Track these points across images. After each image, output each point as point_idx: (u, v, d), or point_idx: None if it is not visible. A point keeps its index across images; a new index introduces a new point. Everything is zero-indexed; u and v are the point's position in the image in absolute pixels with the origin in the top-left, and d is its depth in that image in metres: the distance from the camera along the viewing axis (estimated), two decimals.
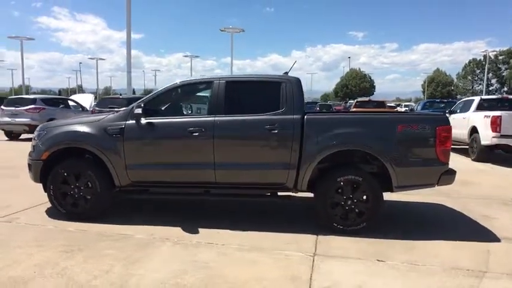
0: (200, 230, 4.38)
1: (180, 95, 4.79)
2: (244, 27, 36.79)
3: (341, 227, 4.31)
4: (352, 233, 4.28)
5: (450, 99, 29.24)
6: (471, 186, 6.98)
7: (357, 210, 4.31)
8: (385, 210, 4.74)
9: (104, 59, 60.22)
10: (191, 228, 4.40)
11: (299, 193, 4.62)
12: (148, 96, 4.74)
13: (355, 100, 21.72)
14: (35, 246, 3.81)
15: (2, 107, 14.48)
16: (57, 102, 15.98)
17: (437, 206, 5.72)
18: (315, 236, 4.25)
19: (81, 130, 4.61)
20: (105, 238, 4.09)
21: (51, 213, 4.81)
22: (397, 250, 3.90)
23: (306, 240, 4.12)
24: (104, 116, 4.71)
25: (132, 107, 4.55)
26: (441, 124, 4.29)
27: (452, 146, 4.91)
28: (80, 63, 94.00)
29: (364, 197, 4.30)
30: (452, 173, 4.42)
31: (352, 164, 4.49)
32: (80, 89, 73.55)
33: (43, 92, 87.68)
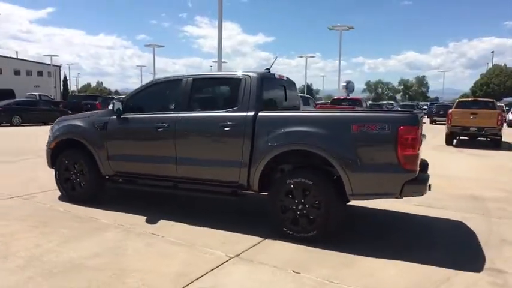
0: (161, 221, 4.59)
1: (155, 93, 5.05)
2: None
3: (290, 233, 4.02)
4: (300, 240, 3.96)
5: None
6: None
7: (309, 217, 3.96)
8: (382, 220, 4.26)
9: (225, 62, 64.60)
10: (154, 219, 4.63)
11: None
12: (129, 93, 5.14)
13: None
14: (18, 220, 4.52)
15: None
16: None
17: (452, 223, 4.83)
18: (261, 239, 4.06)
19: (77, 124, 5.26)
20: (75, 219, 4.61)
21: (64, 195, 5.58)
22: (329, 264, 3.50)
23: (246, 242, 3.97)
24: (97, 112, 5.28)
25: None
26: (404, 124, 3.64)
27: None
28: (211, 66, 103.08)
29: (316, 203, 3.93)
30: (421, 182, 3.72)
31: (308, 167, 4.13)
32: None
33: None
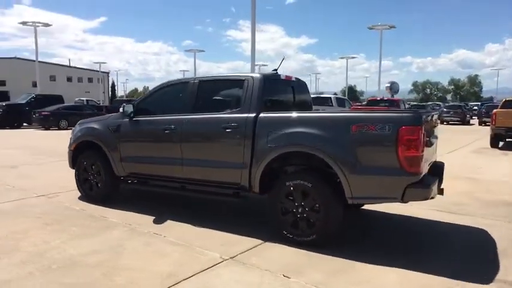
0: (167, 222, 4.66)
1: (164, 95, 5.13)
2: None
3: (290, 236, 3.93)
4: (301, 244, 3.86)
5: None
6: None
7: (309, 220, 3.86)
8: (396, 225, 4.08)
9: (266, 65, 64.71)
10: (161, 219, 4.72)
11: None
12: (141, 96, 5.27)
13: None
14: (35, 218, 4.77)
15: None
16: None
17: (472, 230, 4.51)
18: (262, 242, 4.01)
19: (94, 127, 5.47)
20: (87, 218, 4.78)
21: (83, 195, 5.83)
22: (324, 269, 3.38)
23: (245, 244, 3.93)
24: (112, 114, 5.46)
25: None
26: (405, 125, 3.44)
27: None
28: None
29: (316, 206, 3.81)
30: (425, 186, 3.50)
31: (308, 169, 4.02)
32: None
33: None
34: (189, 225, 4.53)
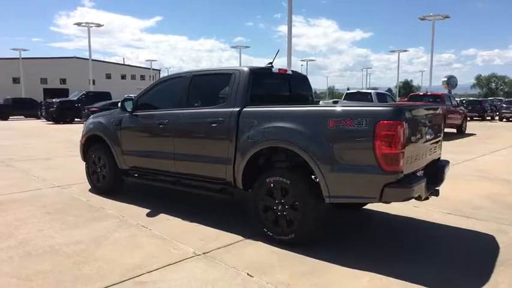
0: (160, 215, 4.73)
1: (161, 90, 5.17)
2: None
3: (271, 234, 3.83)
4: (280, 243, 3.75)
5: None
6: None
7: (288, 219, 3.73)
8: (394, 227, 3.87)
9: (313, 60, 63.64)
10: (155, 212, 4.80)
11: None
12: (142, 91, 5.37)
13: None
14: (40, 206, 5.04)
15: None
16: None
17: (478, 236, 4.13)
18: (242, 238, 3.95)
19: (100, 121, 5.68)
20: (87, 208, 4.98)
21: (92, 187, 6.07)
22: (294, 270, 3.26)
23: (225, 240, 3.89)
24: (117, 109, 5.62)
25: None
26: (383, 119, 3.19)
27: None
28: (301, 65, 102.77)
29: (295, 204, 3.67)
30: (405, 186, 3.22)
31: (288, 165, 3.87)
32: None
33: None
34: (180, 219, 4.56)
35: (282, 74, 4.75)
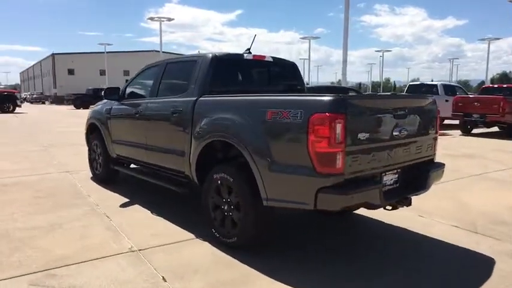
0: (133, 206, 4.67)
1: (144, 78, 5.01)
2: None
3: (217, 235, 3.52)
4: (225, 246, 3.43)
5: None
6: None
7: (233, 220, 3.39)
8: (380, 242, 3.42)
9: (390, 50, 59.82)
10: (131, 203, 4.77)
11: None
12: (130, 79, 5.31)
13: None
14: (35, 190, 5.28)
15: None
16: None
17: (476, 258, 3.39)
18: (192, 237, 3.71)
19: (97, 110, 5.77)
20: (74, 195, 5.08)
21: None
22: (216, 278, 2.93)
23: (174, 237, 3.68)
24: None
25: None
26: (318, 111, 2.68)
27: None
28: (380, 56, 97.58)
29: (239, 204, 3.31)
30: (341, 192, 2.68)
31: (233, 161, 3.49)
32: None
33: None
34: (149, 212, 4.45)
35: (259, 61, 4.34)
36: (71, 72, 59.48)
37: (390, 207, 3.21)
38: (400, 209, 3.40)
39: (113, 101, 5.37)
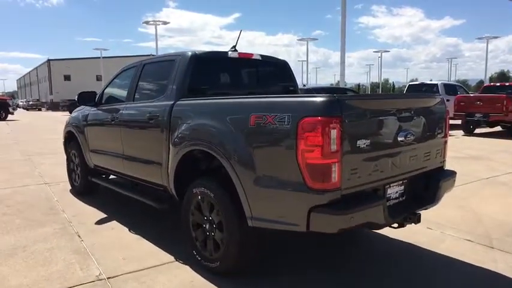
0: (109, 223, 4.23)
1: (120, 82, 4.57)
2: None
3: (199, 258, 3.07)
4: (206, 270, 2.99)
5: None
6: None
7: (216, 241, 2.94)
8: (381, 261, 3.00)
9: (388, 51, 59.48)
10: (108, 219, 4.34)
11: None
12: (106, 83, 4.86)
13: None
14: (5, 206, 4.83)
15: None
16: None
17: (476, 279, 2.93)
18: (172, 260, 3.26)
19: (74, 116, 5.31)
20: (46, 211, 4.63)
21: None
22: None
23: (149, 261, 3.23)
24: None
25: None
26: (309, 115, 2.24)
27: None
28: (379, 57, 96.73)
29: (221, 223, 2.86)
30: (337, 211, 2.23)
31: (214, 174, 3.05)
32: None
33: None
34: (125, 229, 4.01)
35: (245, 59, 3.90)
36: (67, 78, 59.02)
37: (396, 225, 2.76)
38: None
39: (89, 107, 4.93)
